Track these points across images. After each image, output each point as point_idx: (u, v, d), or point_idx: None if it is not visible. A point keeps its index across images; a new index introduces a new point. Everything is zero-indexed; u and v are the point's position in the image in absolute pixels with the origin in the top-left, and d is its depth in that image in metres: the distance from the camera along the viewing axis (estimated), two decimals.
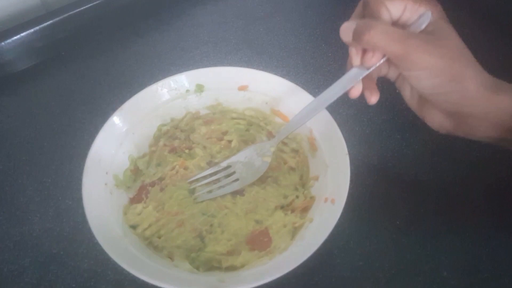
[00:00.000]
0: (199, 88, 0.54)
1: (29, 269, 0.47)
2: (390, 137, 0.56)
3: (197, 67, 0.55)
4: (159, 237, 0.45)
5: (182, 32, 0.69)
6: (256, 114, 0.54)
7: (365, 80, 0.43)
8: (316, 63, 0.64)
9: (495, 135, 0.40)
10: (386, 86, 0.60)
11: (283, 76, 0.53)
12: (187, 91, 0.54)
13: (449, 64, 0.38)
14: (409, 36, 0.38)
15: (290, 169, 0.50)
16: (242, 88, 0.54)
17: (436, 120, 0.43)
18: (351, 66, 0.43)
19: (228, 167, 0.49)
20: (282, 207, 0.48)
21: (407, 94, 0.45)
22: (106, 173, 0.48)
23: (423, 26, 0.40)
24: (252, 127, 0.54)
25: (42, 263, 0.47)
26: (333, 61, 0.65)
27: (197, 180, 0.49)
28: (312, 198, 0.47)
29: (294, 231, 0.45)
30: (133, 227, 0.46)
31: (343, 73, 0.62)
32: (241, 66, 0.54)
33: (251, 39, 0.69)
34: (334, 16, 0.67)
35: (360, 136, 0.56)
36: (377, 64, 0.42)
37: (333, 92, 0.45)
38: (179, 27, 0.70)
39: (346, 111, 0.58)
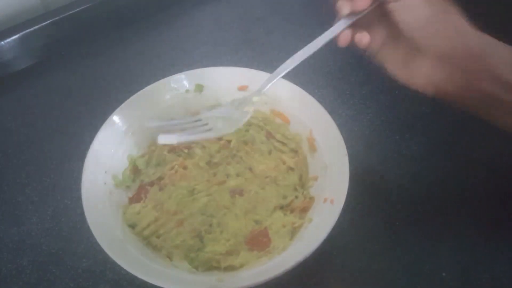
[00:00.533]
0: (199, 88, 0.54)
1: (28, 268, 0.47)
2: (389, 138, 0.56)
3: (197, 67, 0.55)
4: (158, 237, 0.45)
5: (182, 32, 0.69)
6: (256, 114, 0.54)
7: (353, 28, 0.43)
8: (316, 63, 0.64)
9: (483, 85, 0.38)
10: (386, 88, 0.60)
11: (282, 76, 0.53)
12: (187, 91, 0.54)
13: None
14: None
15: (289, 169, 0.50)
16: (242, 88, 0.54)
17: (424, 75, 0.41)
18: (339, 19, 0.43)
19: (202, 118, 0.46)
20: (281, 208, 0.48)
21: (390, 58, 0.43)
22: (105, 172, 0.47)
23: None
24: (251, 127, 0.54)
25: (41, 263, 0.47)
26: (333, 62, 0.65)
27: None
28: (312, 199, 0.47)
29: (293, 232, 0.45)
30: (132, 226, 0.46)
31: (342, 74, 0.63)
32: (240, 66, 0.55)
33: (250, 39, 0.69)
34: (333, 17, 0.67)
35: (360, 137, 0.56)
36: (366, 10, 0.41)
37: (321, 39, 0.43)
38: (179, 27, 0.70)
39: (345, 111, 0.58)
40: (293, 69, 0.63)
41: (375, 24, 0.42)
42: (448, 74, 0.40)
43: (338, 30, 0.42)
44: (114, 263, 0.40)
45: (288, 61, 0.45)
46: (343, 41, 0.43)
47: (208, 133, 0.44)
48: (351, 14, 0.41)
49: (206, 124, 0.45)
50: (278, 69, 0.45)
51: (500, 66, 0.37)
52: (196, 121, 0.46)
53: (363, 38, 0.42)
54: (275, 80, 0.45)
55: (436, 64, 0.40)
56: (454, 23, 0.38)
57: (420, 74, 0.41)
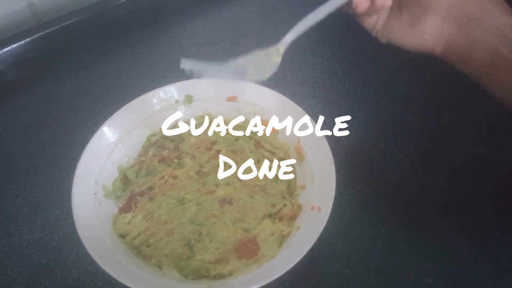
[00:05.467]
0: (188, 99, 0.55)
1: (18, 279, 0.47)
2: (375, 146, 0.57)
3: (186, 78, 0.55)
4: (148, 246, 0.46)
5: (171, 44, 0.70)
6: (245, 124, 0.55)
7: None
8: (304, 74, 0.66)
9: (491, 40, 0.39)
10: (371, 98, 0.62)
11: (271, 87, 0.54)
12: (177, 101, 0.55)
13: None
14: None
15: (277, 178, 0.51)
16: (231, 99, 0.55)
17: (434, 32, 0.42)
18: None
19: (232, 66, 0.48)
20: (270, 216, 0.48)
21: (397, 28, 0.45)
22: (96, 183, 0.48)
23: None
24: (240, 137, 0.55)
25: (31, 274, 0.48)
26: (320, 73, 0.66)
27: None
28: (299, 207, 0.48)
29: (282, 239, 0.46)
30: (122, 236, 0.46)
31: (329, 84, 0.65)
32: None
33: (240, 51, 0.69)
34: (321, 29, 0.69)
35: (346, 145, 0.57)
36: None
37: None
38: (169, 39, 0.71)
39: (332, 121, 0.59)
40: (281, 80, 0.65)
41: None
42: (457, 28, 0.40)
43: None
44: (104, 272, 0.40)
45: (309, 16, 0.46)
46: (362, 4, 0.43)
47: (247, 78, 0.47)
48: None
49: (240, 68, 0.47)
50: (301, 23, 0.47)
51: (506, 25, 0.38)
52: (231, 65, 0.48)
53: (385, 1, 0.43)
54: (300, 32, 0.47)
55: (446, 18, 0.40)
56: None
57: (429, 33, 0.42)
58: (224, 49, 0.70)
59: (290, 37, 0.47)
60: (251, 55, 0.48)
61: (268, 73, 0.47)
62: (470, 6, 0.40)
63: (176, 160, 0.52)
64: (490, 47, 0.40)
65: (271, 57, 0.47)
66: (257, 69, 0.47)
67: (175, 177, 0.51)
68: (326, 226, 0.43)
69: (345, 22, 0.70)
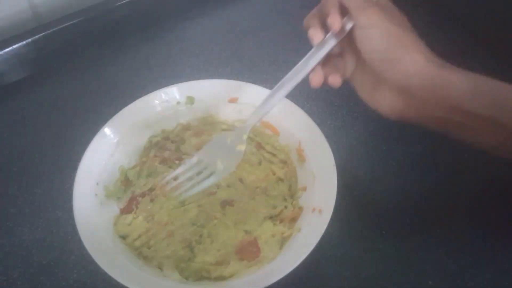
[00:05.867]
0: (190, 100, 0.55)
1: (19, 280, 0.47)
2: (376, 148, 0.57)
3: (188, 79, 0.56)
4: (149, 248, 0.46)
5: (173, 46, 0.70)
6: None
7: (325, 68, 0.45)
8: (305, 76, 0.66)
9: (440, 114, 0.40)
10: None
11: (272, 88, 0.54)
12: (178, 103, 0.55)
13: (400, 30, 0.40)
14: None
15: (279, 179, 0.51)
16: (232, 100, 0.55)
17: (387, 103, 0.42)
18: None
19: (200, 161, 0.46)
20: (271, 217, 0.48)
21: (359, 83, 0.45)
22: (97, 184, 0.48)
23: None
24: None
25: (32, 274, 0.48)
26: None
27: (171, 180, 0.47)
28: (300, 209, 0.48)
29: (283, 241, 0.46)
30: (123, 237, 0.46)
31: (331, 86, 0.65)
32: (231, 78, 0.56)
33: (241, 52, 0.70)
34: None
35: (347, 147, 0.57)
36: (336, 38, 0.43)
37: (297, 76, 0.45)
38: (170, 40, 0.71)
39: (334, 123, 0.60)
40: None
41: (347, 50, 0.44)
42: (407, 104, 0.41)
43: (314, 62, 0.44)
44: (105, 274, 0.40)
45: (269, 100, 0.46)
46: (316, 82, 0.45)
47: (213, 178, 0.46)
48: (324, 42, 0.43)
49: (206, 168, 0.46)
50: (262, 108, 0.46)
51: (458, 96, 0.39)
52: (198, 163, 0.46)
53: (335, 80, 0.45)
54: (261, 117, 0.46)
55: (395, 94, 0.41)
56: (410, 56, 0.40)
57: (383, 102, 0.43)
58: (224, 51, 0.70)
59: (253, 121, 0.46)
60: (213, 148, 0.47)
61: (235, 164, 0.46)
62: (417, 88, 0.40)
63: (177, 161, 0.52)
64: (445, 120, 0.40)
65: (235, 146, 0.46)
66: (223, 161, 0.46)
67: (176, 179, 0.51)
68: (327, 228, 0.43)
69: None
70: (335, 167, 0.47)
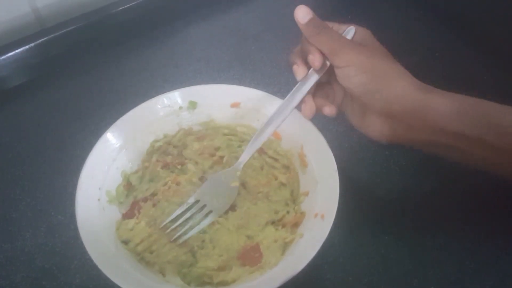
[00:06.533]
0: (192, 105, 0.55)
1: (21, 284, 0.47)
2: (378, 153, 0.57)
3: (190, 84, 0.56)
4: (151, 253, 0.46)
5: (175, 50, 0.71)
6: (248, 131, 0.55)
7: (318, 99, 0.48)
8: None
9: (427, 137, 0.41)
10: None
11: (274, 93, 0.54)
12: (180, 107, 0.55)
13: (376, 61, 0.42)
14: (341, 37, 0.44)
15: (281, 184, 0.51)
16: (235, 105, 0.55)
17: (376, 128, 0.44)
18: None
19: (197, 201, 0.48)
20: (273, 223, 0.48)
21: (349, 111, 0.47)
22: (99, 188, 0.48)
23: (349, 37, 0.46)
24: (243, 143, 0.55)
25: (34, 279, 0.48)
26: None
27: (172, 222, 0.47)
28: (302, 214, 0.48)
29: (285, 246, 0.46)
30: (125, 242, 0.46)
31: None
32: (233, 83, 0.56)
33: (243, 57, 0.70)
34: None
35: (350, 152, 0.57)
36: (319, 73, 0.46)
37: (284, 111, 0.48)
38: (173, 45, 0.71)
39: (336, 128, 0.60)
40: (285, 86, 0.65)
41: (334, 80, 0.46)
42: (394, 129, 0.43)
43: (300, 96, 0.47)
44: (107, 279, 0.40)
45: (259, 136, 0.49)
46: (308, 113, 0.48)
47: (211, 216, 0.48)
48: (307, 78, 0.46)
49: (204, 206, 0.48)
50: (253, 145, 0.49)
51: (442, 118, 0.40)
52: (196, 203, 0.48)
53: (330, 111, 0.48)
54: (252, 153, 0.49)
55: (382, 120, 0.43)
56: (389, 84, 0.42)
57: (372, 127, 0.45)
58: (227, 55, 0.70)
59: (245, 158, 0.49)
60: (209, 188, 0.49)
61: (230, 200, 0.49)
62: (401, 115, 0.41)
63: (179, 166, 0.52)
64: (433, 142, 0.42)
65: (229, 183, 0.49)
66: (218, 199, 0.49)
67: (178, 183, 0.51)
68: (329, 233, 0.43)
69: None
70: (337, 172, 0.47)
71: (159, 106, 0.54)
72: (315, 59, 0.44)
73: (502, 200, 0.52)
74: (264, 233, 0.47)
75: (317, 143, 0.50)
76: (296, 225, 0.47)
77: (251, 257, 0.45)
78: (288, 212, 0.49)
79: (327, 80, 0.48)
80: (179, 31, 0.73)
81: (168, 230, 0.47)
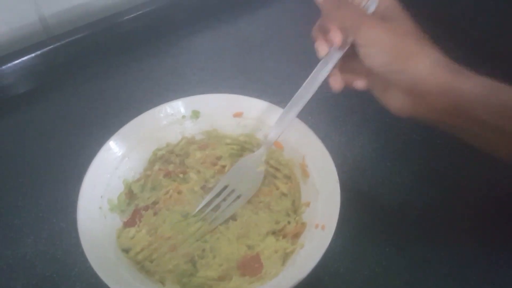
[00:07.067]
0: (195, 114, 0.55)
1: None
2: (380, 164, 0.57)
3: (193, 93, 0.56)
4: (151, 261, 0.46)
5: (179, 59, 0.71)
6: (250, 140, 0.55)
7: (346, 72, 0.46)
8: None
9: (448, 118, 0.40)
10: (377, 115, 0.62)
11: (277, 103, 0.54)
12: (183, 116, 0.55)
13: (399, 39, 0.40)
14: (362, 12, 0.42)
15: (282, 194, 0.51)
16: (237, 115, 0.55)
17: (397, 104, 0.43)
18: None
19: (226, 186, 0.49)
20: (273, 233, 0.48)
21: (372, 83, 0.46)
22: (101, 197, 0.48)
23: (372, 9, 0.43)
24: (245, 152, 0.55)
25: (34, 286, 0.48)
26: (326, 89, 0.66)
27: (201, 211, 0.49)
28: (303, 224, 0.47)
29: (285, 257, 0.46)
30: (126, 251, 0.46)
31: (335, 101, 0.65)
32: (236, 93, 0.56)
33: (246, 66, 0.70)
34: None
35: (351, 163, 0.57)
36: (341, 50, 0.44)
37: (309, 89, 0.47)
38: (176, 54, 0.72)
39: (338, 138, 0.60)
40: (288, 96, 0.65)
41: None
42: (417, 106, 0.41)
43: (326, 72, 0.46)
44: (107, 287, 0.40)
45: (283, 119, 0.49)
46: (337, 87, 0.46)
47: (241, 200, 0.49)
48: (330, 53, 0.45)
49: (233, 191, 0.49)
50: (277, 129, 0.49)
51: (467, 103, 0.38)
52: (224, 188, 0.50)
53: (360, 84, 0.46)
54: (276, 137, 0.49)
55: (404, 97, 0.41)
56: (415, 64, 0.39)
57: (393, 102, 0.43)
58: (230, 65, 0.71)
59: (270, 143, 0.49)
60: (236, 172, 0.50)
61: (257, 185, 0.49)
62: (427, 95, 0.40)
63: (181, 175, 0.52)
64: (456, 126, 0.40)
65: (255, 168, 0.50)
66: (246, 183, 0.50)
67: (180, 192, 0.51)
68: (330, 244, 0.42)
69: None
70: (338, 183, 0.46)
71: (162, 115, 0.54)
72: (335, 36, 0.43)
73: (504, 211, 0.52)
74: (265, 243, 0.47)
75: (319, 153, 0.50)
76: (297, 235, 0.47)
77: (251, 267, 0.45)
78: (289, 222, 0.48)
79: (352, 52, 0.44)
80: (183, 41, 0.74)
81: (203, 215, 0.48)
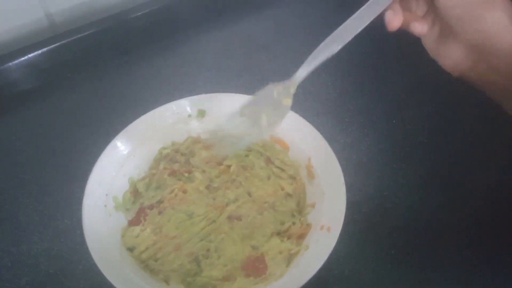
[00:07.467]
0: (201, 113, 0.55)
1: None
2: (386, 166, 0.57)
3: (200, 92, 0.56)
4: (156, 260, 0.46)
5: (185, 58, 0.71)
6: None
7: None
8: (316, 91, 0.66)
9: (509, 84, 0.37)
10: (384, 117, 0.62)
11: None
12: (189, 115, 0.55)
13: None
14: None
15: (287, 195, 0.51)
16: (243, 114, 0.55)
17: (453, 58, 0.39)
18: None
19: (244, 114, 0.44)
20: (278, 233, 0.48)
21: (426, 34, 0.41)
22: (106, 195, 0.48)
23: None
24: (251, 152, 0.55)
25: (39, 283, 0.48)
26: (332, 90, 0.66)
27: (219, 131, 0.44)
28: (308, 225, 0.47)
29: (290, 258, 0.45)
30: (131, 249, 0.46)
31: (341, 102, 0.65)
32: (242, 92, 0.56)
33: (252, 66, 0.70)
34: None
35: (357, 164, 0.56)
36: None
37: (363, 17, 0.39)
38: (183, 53, 0.72)
39: (344, 139, 0.59)
40: (293, 96, 0.65)
41: None
42: (474, 66, 0.38)
43: (387, 1, 0.39)
44: (111, 285, 0.40)
45: (323, 49, 0.42)
46: (395, 24, 0.39)
47: (259, 132, 0.43)
48: None
49: (253, 120, 0.43)
50: (313, 60, 0.42)
51: None
52: (242, 119, 0.44)
53: (421, 28, 0.40)
54: (311, 70, 0.42)
55: (465, 52, 0.38)
56: (493, 14, 0.35)
57: (448, 56, 0.39)
58: (236, 64, 0.70)
59: (302, 74, 0.42)
60: (259, 101, 0.44)
61: (279, 121, 0.43)
62: (490, 52, 0.37)
63: (186, 174, 0.52)
64: (506, 87, 0.38)
65: (281, 100, 0.43)
66: (267, 115, 0.43)
67: (184, 191, 0.51)
68: (334, 246, 0.42)
69: (358, 40, 0.71)
70: (344, 185, 0.46)
71: (168, 114, 0.54)
72: None
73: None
74: (269, 244, 0.47)
75: (325, 154, 0.50)
76: (301, 236, 0.47)
77: (255, 268, 0.45)
78: (294, 223, 0.48)
79: None
80: (190, 40, 0.74)
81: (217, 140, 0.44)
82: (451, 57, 0.39)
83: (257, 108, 0.43)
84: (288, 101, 0.43)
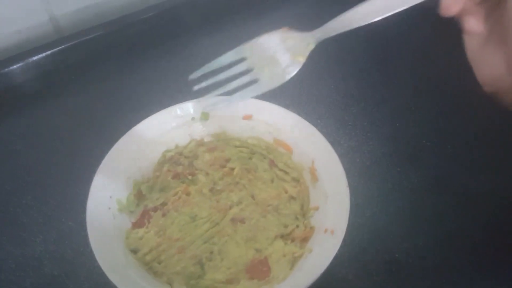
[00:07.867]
0: (204, 116, 0.55)
1: None
2: (390, 169, 0.57)
3: (203, 95, 0.56)
4: (159, 263, 0.46)
5: (189, 61, 0.71)
6: (259, 143, 0.55)
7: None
8: (319, 94, 0.66)
9: None
10: (387, 120, 0.62)
11: (286, 106, 0.54)
12: (193, 118, 0.55)
13: None
14: None
15: (291, 198, 0.51)
16: (246, 118, 0.55)
17: (495, 69, 0.33)
18: None
19: (243, 59, 0.37)
20: (282, 236, 0.48)
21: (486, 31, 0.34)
22: (110, 197, 0.48)
23: None
24: (254, 155, 0.55)
25: (43, 285, 0.48)
26: (335, 93, 0.66)
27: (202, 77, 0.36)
28: (312, 228, 0.47)
29: (293, 261, 0.45)
30: (134, 251, 0.46)
31: (345, 105, 0.65)
32: None
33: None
34: (337, 49, 0.69)
35: (361, 167, 0.56)
36: None
37: None
38: (187, 55, 0.72)
39: (347, 142, 0.59)
40: (297, 99, 0.65)
41: None
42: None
43: None
44: (115, 287, 0.40)
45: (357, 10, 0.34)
46: (451, 10, 0.32)
47: (253, 88, 0.36)
48: None
49: (251, 70, 0.36)
50: (346, 15, 0.35)
51: None
52: (241, 60, 0.37)
53: (476, 26, 0.33)
54: (341, 31, 0.35)
55: (507, 64, 0.32)
56: None
57: (489, 66, 0.34)
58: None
59: (329, 29, 0.34)
60: (266, 48, 0.36)
61: (284, 77, 0.36)
62: None
63: (190, 177, 0.52)
64: None
65: (294, 55, 0.36)
66: (270, 68, 0.36)
67: (188, 194, 0.51)
68: (338, 249, 0.42)
69: (362, 43, 0.71)
70: (348, 188, 0.46)
71: (172, 117, 0.54)
72: None
73: None
74: (273, 247, 0.47)
75: (329, 157, 0.50)
76: (305, 239, 0.47)
77: (259, 271, 0.45)
78: (297, 226, 0.48)
79: None
80: (194, 43, 0.74)
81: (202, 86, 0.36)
82: (493, 68, 0.34)
83: (263, 55, 0.36)
84: (301, 59, 0.35)
